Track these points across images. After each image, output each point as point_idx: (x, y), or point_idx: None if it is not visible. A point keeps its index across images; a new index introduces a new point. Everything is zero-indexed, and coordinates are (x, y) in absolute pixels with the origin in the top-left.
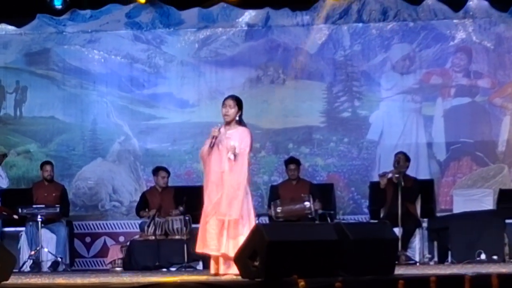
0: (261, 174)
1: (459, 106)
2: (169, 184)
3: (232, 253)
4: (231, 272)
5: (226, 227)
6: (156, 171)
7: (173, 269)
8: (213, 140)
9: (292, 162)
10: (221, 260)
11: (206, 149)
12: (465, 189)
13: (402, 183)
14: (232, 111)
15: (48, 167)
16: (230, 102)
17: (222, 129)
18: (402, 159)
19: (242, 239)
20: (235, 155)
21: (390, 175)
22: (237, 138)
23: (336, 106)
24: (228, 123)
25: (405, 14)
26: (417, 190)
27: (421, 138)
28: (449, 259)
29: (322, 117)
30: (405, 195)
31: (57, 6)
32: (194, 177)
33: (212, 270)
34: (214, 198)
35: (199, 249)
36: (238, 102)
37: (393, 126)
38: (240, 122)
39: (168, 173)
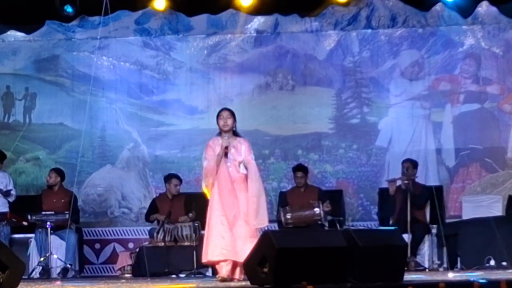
0: (270, 181)
1: (468, 112)
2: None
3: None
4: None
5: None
6: (168, 178)
7: (182, 275)
8: (226, 151)
9: (300, 169)
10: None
11: (214, 162)
12: (474, 195)
13: (412, 190)
14: (230, 121)
15: (52, 174)
16: (227, 113)
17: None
18: (410, 167)
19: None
20: (246, 167)
21: (399, 181)
22: (243, 149)
23: (345, 112)
24: (225, 134)
25: (414, 21)
26: (425, 197)
27: (430, 144)
28: (458, 265)
29: (331, 123)
30: (413, 202)
31: (68, 12)
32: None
33: (225, 273)
34: (232, 209)
35: (210, 257)
36: (233, 113)
37: (402, 132)
38: (236, 133)
39: (181, 180)
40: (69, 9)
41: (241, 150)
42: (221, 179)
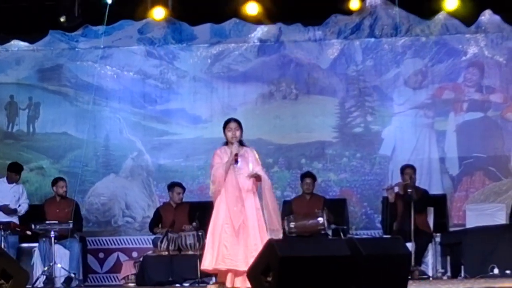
0: (274, 189)
1: (472, 121)
2: (183, 200)
3: None
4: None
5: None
6: (171, 186)
7: (186, 284)
8: (236, 157)
9: (308, 176)
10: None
11: (222, 169)
12: (478, 203)
13: (415, 197)
14: (238, 133)
15: (62, 183)
16: (235, 124)
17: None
18: (413, 173)
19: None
20: (255, 176)
21: (396, 188)
22: (252, 158)
23: (349, 121)
24: (231, 144)
25: (417, 29)
26: (425, 201)
27: (433, 153)
28: (462, 273)
29: (335, 132)
30: (413, 207)
31: (62, 20)
32: (207, 192)
33: (228, 282)
34: (239, 217)
35: (215, 265)
36: (241, 124)
37: (405, 141)
38: (243, 143)
39: (184, 189)
40: (63, 18)
41: (248, 160)
42: (229, 187)
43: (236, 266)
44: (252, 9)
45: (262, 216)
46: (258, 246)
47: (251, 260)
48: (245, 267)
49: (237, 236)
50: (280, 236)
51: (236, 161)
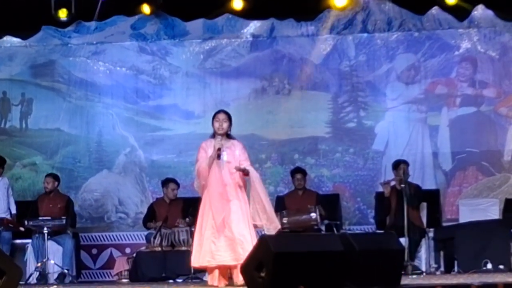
0: (267, 185)
1: (465, 115)
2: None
3: None
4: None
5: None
6: (166, 182)
7: (179, 280)
8: (219, 152)
9: (298, 171)
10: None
11: (206, 164)
12: (471, 198)
13: (408, 192)
14: (225, 124)
15: (48, 179)
16: (224, 116)
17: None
18: (406, 168)
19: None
20: (243, 170)
21: (393, 182)
22: (237, 152)
23: (342, 116)
24: (219, 137)
25: (409, 24)
26: (419, 196)
27: (426, 148)
28: (456, 268)
29: (328, 127)
30: (407, 201)
31: (62, 19)
32: None
33: (222, 283)
34: (221, 213)
35: (202, 263)
36: (230, 116)
37: (398, 136)
38: (230, 136)
39: (178, 185)
40: (62, 15)
41: (235, 153)
42: (213, 182)
43: (225, 262)
44: (237, 4)
45: (248, 212)
46: (246, 237)
47: (240, 253)
48: (234, 261)
49: (220, 231)
50: (278, 228)
51: (219, 156)
